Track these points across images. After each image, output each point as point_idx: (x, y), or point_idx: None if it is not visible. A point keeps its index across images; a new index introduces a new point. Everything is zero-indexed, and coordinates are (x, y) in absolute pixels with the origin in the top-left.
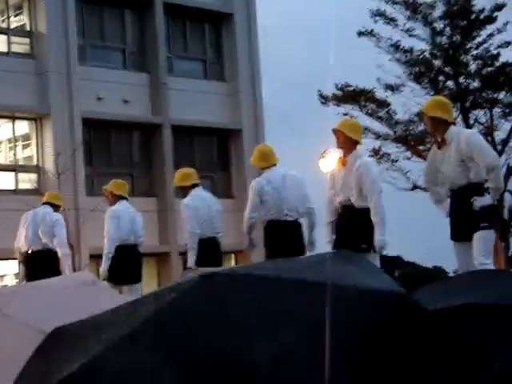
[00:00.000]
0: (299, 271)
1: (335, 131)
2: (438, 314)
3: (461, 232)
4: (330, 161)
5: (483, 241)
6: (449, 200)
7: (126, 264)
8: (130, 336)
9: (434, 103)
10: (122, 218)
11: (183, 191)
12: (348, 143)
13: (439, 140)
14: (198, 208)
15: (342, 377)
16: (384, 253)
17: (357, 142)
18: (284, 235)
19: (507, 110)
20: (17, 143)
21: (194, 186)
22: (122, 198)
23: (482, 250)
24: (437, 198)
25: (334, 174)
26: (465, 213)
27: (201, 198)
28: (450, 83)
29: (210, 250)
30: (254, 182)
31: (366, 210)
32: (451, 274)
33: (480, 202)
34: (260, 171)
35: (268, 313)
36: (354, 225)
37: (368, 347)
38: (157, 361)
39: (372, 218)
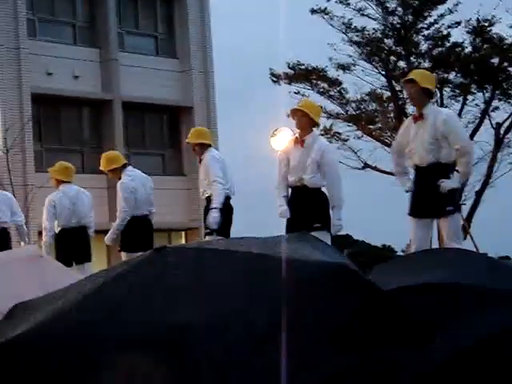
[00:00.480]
0: (249, 247)
1: (295, 111)
2: (388, 293)
3: (422, 209)
4: (281, 139)
5: (452, 225)
6: (411, 176)
7: (73, 246)
8: (76, 305)
9: (426, 75)
10: (59, 205)
11: (114, 174)
12: (308, 124)
13: (417, 114)
14: (137, 189)
15: (281, 344)
16: (338, 231)
17: (316, 124)
18: None
19: (457, 91)
20: None
21: (125, 165)
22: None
23: (452, 235)
24: (400, 169)
25: (287, 153)
26: (429, 191)
27: (138, 178)
28: (401, 63)
29: (144, 227)
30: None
31: (319, 190)
32: (399, 253)
33: (447, 184)
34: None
35: (213, 283)
36: (306, 204)
37: (313, 318)
38: (98, 329)
39: (330, 201)
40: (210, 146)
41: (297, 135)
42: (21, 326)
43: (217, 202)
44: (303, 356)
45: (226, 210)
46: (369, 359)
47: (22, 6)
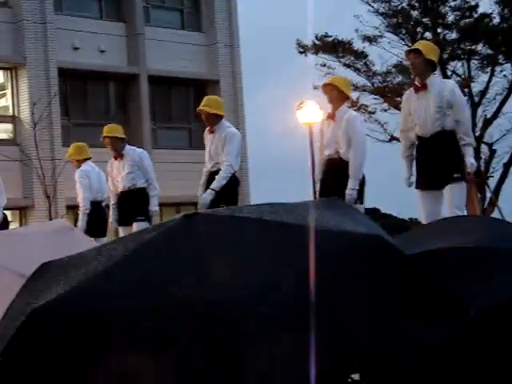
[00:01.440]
0: (282, 215)
1: (326, 85)
2: (416, 257)
3: (429, 180)
4: (308, 112)
5: (456, 192)
6: (411, 163)
7: (98, 219)
8: (106, 272)
9: (432, 47)
10: (91, 178)
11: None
12: (339, 98)
13: (419, 84)
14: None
15: (319, 318)
16: (351, 202)
17: (347, 98)
18: None
19: (484, 62)
20: None
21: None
22: (85, 159)
23: (458, 203)
24: (409, 154)
25: (322, 128)
26: (435, 161)
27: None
28: (427, 34)
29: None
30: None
31: None
32: None
33: (469, 162)
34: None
35: (244, 256)
36: (340, 177)
37: (347, 289)
38: (130, 295)
39: (349, 168)
40: (222, 117)
41: (329, 110)
42: (51, 289)
43: (219, 185)
44: (339, 331)
45: (234, 184)
46: (410, 332)
47: None
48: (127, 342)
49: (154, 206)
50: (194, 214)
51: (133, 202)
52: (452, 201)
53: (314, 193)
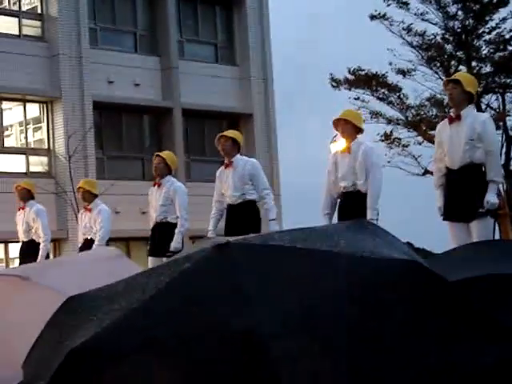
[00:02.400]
0: (314, 241)
1: (338, 120)
2: (455, 284)
3: (456, 212)
4: (341, 145)
5: (480, 228)
6: (441, 192)
7: None
8: (142, 308)
9: (471, 79)
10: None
11: (92, 197)
12: (352, 131)
13: (453, 115)
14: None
15: (355, 346)
16: None
17: (360, 130)
18: None
19: None
20: (28, 126)
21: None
22: (96, 196)
23: (482, 238)
24: (441, 182)
25: (335, 161)
26: (462, 194)
27: None
28: (462, 68)
29: None
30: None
31: None
32: None
33: (490, 200)
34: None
35: (281, 284)
36: (359, 209)
37: (383, 317)
38: (165, 334)
39: (367, 199)
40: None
41: (343, 144)
42: (85, 326)
43: (275, 213)
44: (380, 358)
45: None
46: (451, 356)
47: (85, 15)
48: (168, 374)
49: (175, 243)
50: (225, 244)
51: (163, 235)
52: (477, 237)
53: None
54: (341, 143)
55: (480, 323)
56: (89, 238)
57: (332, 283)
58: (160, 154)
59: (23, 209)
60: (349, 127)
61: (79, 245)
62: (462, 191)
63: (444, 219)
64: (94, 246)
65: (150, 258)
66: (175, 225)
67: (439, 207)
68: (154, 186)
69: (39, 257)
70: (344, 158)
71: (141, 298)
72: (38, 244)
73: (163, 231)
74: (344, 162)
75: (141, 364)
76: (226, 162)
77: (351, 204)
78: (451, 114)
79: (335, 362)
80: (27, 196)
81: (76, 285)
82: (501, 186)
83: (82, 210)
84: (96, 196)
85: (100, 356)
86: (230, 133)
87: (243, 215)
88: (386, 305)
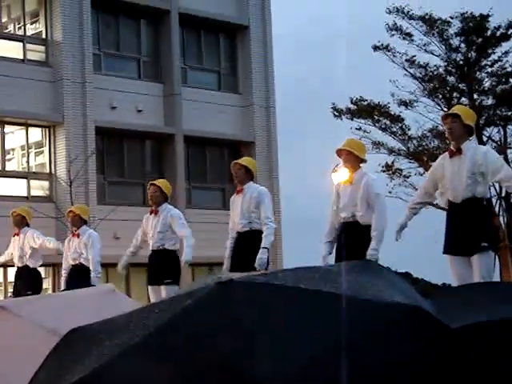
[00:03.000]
0: (317, 282)
1: (341, 151)
2: (459, 331)
3: (458, 246)
4: (342, 175)
5: (483, 262)
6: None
7: None
8: (143, 343)
9: (470, 112)
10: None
11: (81, 223)
12: (355, 162)
13: (453, 149)
14: None
15: None
16: None
17: (363, 161)
18: None
19: None
20: (30, 150)
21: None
22: (85, 222)
23: (485, 273)
24: (415, 210)
25: (337, 191)
26: (464, 228)
27: None
28: (464, 100)
29: None
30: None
31: (370, 227)
32: None
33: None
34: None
35: (281, 325)
36: (357, 240)
37: (384, 363)
38: (166, 370)
39: (372, 229)
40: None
41: (344, 175)
42: (83, 361)
43: (269, 242)
44: None
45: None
46: None
47: (89, 40)
48: None
49: (186, 256)
50: (228, 282)
51: (160, 262)
52: (479, 271)
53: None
54: (343, 173)
55: (480, 370)
56: (78, 263)
57: (332, 327)
58: (155, 182)
59: (18, 235)
60: (351, 158)
61: (63, 272)
62: (464, 225)
63: (444, 253)
64: (90, 271)
65: (149, 286)
66: (173, 252)
67: (399, 223)
68: (151, 213)
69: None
70: (346, 188)
71: (141, 334)
72: (33, 269)
73: (161, 259)
74: (346, 192)
75: None
76: (238, 188)
77: (349, 235)
78: (451, 147)
79: None
80: (22, 222)
81: (58, 317)
82: (501, 218)
83: (70, 236)
84: (85, 222)
85: None
86: (244, 160)
87: (249, 245)
88: (386, 349)
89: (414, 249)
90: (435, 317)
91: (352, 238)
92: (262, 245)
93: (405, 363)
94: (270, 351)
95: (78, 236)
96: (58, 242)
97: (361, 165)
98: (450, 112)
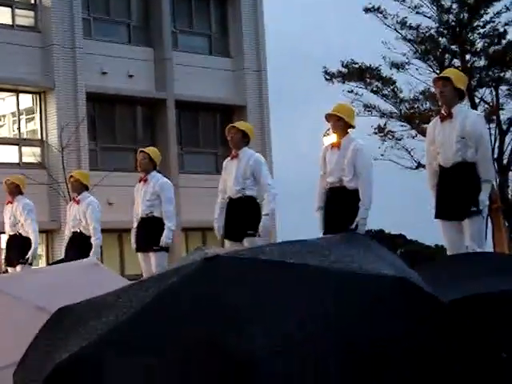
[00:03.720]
0: (304, 256)
1: (330, 116)
2: (447, 304)
3: (448, 211)
4: (334, 138)
5: (473, 226)
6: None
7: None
8: (129, 321)
9: (461, 76)
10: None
11: (81, 189)
12: (344, 127)
13: (444, 113)
14: None
15: (343, 366)
16: (363, 231)
17: (351, 126)
18: None
19: None
20: (21, 117)
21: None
22: (86, 188)
23: (476, 237)
24: (434, 183)
25: (324, 156)
26: (454, 192)
27: None
28: (456, 61)
29: None
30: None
31: (357, 192)
32: None
33: (482, 199)
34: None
35: (268, 300)
36: (344, 206)
37: (372, 337)
38: (154, 347)
39: (360, 196)
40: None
41: (334, 139)
42: (70, 340)
43: (270, 209)
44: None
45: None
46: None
47: (78, 6)
48: None
49: (166, 238)
50: (215, 258)
51: (149, 230)
52: (469, 235)
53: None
54: (334, 137)
55: (471, 344)
56: (78, 231)
57: (320, 301)
58: (144, 149)
59: (11, 203)
60: (340, 123)
61: (66, 238)
62: (454, 189)
63: (436, 217)
64: (91, 241)
65: (138, 253)
66: (161, 219)
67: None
68: (140, 181)
69: (31, 250)
70: (333, 153)
71: (128, 312)
72: (24, 238)
73: (149, 226)
74: (333, 157)
75: (127, 378)
76: (233, 153)
77: (337, 200)
78: (442, 111)
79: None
80: (16, 191)
81: (45, 294)
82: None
83: (71, 202)
84: (86, 188)
85: (85, 370)
86: (242, 125)
87: (242, 211)
88: (374, 323)
89: (405, 212)
90: (423, 288)
91: (339, 204)
92: (264, 212)
93: (395, 339)
94: (257, 327)
95: (78, 202)
96: (36, 238)
97: (349, 130)
98: (441, 75)
